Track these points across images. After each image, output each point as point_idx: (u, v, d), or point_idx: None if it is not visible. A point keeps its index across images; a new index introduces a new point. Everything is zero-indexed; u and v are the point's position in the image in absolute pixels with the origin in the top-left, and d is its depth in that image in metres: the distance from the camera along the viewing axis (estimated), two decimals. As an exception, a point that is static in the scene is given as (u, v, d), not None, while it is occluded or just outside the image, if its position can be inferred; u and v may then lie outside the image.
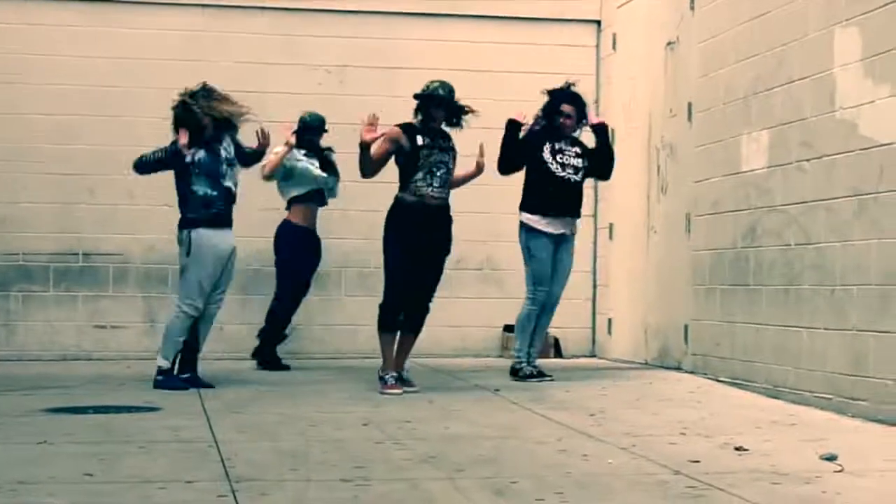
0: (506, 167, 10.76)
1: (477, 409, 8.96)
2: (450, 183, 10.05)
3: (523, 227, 10.66)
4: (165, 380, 9.97)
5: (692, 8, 11.19)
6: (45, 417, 8.46)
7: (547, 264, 10.60)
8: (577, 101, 10.76)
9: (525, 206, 10.68)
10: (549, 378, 10.52)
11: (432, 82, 10.07)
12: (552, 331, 11.90)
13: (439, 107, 9.97)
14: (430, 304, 10.05)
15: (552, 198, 10.57)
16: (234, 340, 12.53)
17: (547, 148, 10.61)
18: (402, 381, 9.92)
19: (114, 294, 12.78)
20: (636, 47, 12.64)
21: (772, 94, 9.68)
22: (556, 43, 13.53)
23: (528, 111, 10.81)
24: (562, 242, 10.69)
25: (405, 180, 9.90)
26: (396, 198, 9.95)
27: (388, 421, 8.21)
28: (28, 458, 6.75)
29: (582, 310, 13.16)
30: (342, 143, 12.48)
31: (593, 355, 13.32)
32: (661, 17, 11.98)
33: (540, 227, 10.59)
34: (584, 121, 10.78)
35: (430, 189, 9.84)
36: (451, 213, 10.06)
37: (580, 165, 10.65)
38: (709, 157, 10.72)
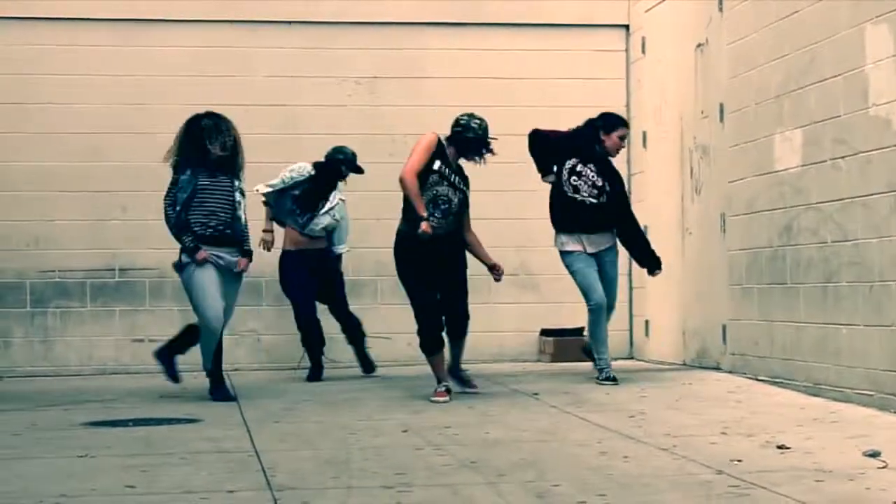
0: (544, 169, 10.76)
1: (516, 413, 8.96)
2: (454, 222, 9.84)
3: (557, 248, 10.70)
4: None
5: (721, 9, 11.17)
6: (86, 431, 8.50)
7: (587, 272, 10.57)
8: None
9: (552, 220, 10.70)
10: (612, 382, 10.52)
11: (472, 118, 9.85)
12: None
13: (478, 145, 9.84)
14: (468, 310, 10.01)
15: (569, 218, 10.64)
16: (270, 351, 12.60)
17: (568, 165, 10.61)
18: (463, 382, 10.09)
19: (150, 308, 12.83)
20: (665, 50, 12.62)
21: (804, 92, 9.65)
22: (585, 49, 13.52)
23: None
24: (601, 255, 10.70)
25: (407, 210, 9.77)
26: (398, 231, 9.89)
27: (427, 427, 8.21)
28: (70, 472, 6.79)
29: (619, 312, 12.99)
30: (375, 154, 12.53)
31: (631, 357, 13.29)
32: (689, 19, 11.95)
33: (569, 249, 10.62)
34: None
35: (430, 219, 9.63)
36: (459, 239, 9.98)
37: (600, 187, 10.63)
38: (742, 157, 10.69)
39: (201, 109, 10.33)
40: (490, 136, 9.86)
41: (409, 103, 12.81)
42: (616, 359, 12.62)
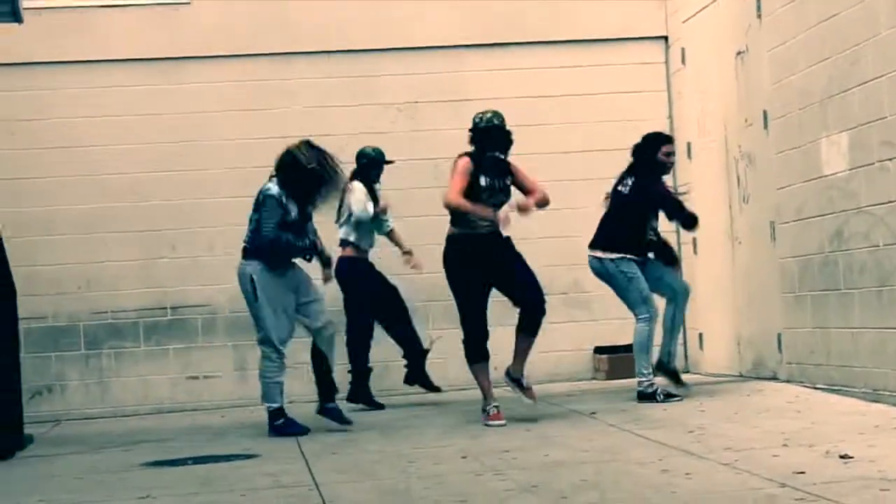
0: None
1: (575, 433, 8.90)
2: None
3: (612, 261, 10.57)
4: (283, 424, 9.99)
5: (759, 16, 11.10)
6: (145, 471, 8.51)
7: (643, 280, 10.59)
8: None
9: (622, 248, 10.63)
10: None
11: (485, 113, 10.04)
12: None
13: (498, 137, 9.94)
14: (545, 301, 9.84)
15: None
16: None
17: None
18: (521, 388, 9.85)
19: (203, 345, 12.88)
20: (706, 60, 12.56)
21: (848, 95, 9.57)
22: (624, 62, 13.48)
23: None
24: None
25: (457, 216, 9.84)
26: (450, 235, 9.90)
27: (486, 452, 8.17)
28: (132, 514, 6.80)
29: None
30: (419, 179, 12.54)
31: (686, 371, 13.17)
32: (728, 27, 11.89)
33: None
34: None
35: (483, 224, 9.78)
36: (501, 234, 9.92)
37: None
38: (788, 163, 10.61)
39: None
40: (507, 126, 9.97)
41: (451, 127, 12.76)
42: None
